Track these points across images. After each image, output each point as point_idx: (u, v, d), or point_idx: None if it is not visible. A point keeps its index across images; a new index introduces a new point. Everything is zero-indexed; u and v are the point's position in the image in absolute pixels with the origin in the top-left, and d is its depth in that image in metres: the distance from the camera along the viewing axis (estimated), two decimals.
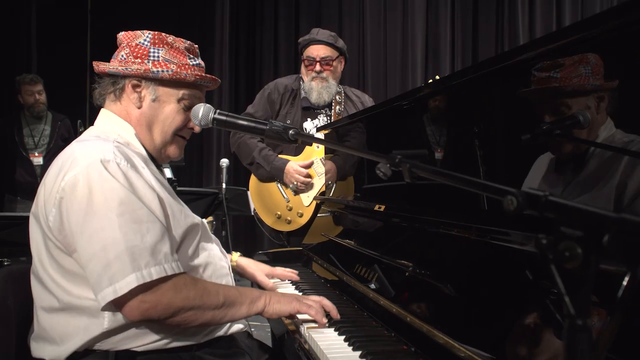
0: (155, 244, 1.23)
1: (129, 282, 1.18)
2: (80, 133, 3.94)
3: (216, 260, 1.49)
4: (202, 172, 6.24)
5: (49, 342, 1.32)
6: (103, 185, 1.22)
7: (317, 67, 2.83)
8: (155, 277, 1.21)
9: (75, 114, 4.47)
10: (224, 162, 3.60)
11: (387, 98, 6.18)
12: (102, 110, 1.47)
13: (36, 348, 1.35)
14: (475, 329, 1.10)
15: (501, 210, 0.65)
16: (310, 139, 1.27)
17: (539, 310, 1.00)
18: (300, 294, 1.75)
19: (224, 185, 3.48)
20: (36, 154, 4.40)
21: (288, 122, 2.85)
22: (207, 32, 6.28)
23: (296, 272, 1.96)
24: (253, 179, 2.92)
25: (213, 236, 1.58)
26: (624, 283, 0.78)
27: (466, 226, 1.29)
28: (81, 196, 1.22)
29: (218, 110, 1.35)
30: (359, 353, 1.20)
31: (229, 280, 1.53)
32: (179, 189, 3.08)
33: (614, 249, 0.57)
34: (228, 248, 4.21)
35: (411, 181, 0.83)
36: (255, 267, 1.89)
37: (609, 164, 1.04)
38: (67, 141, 4.51)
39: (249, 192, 3.07)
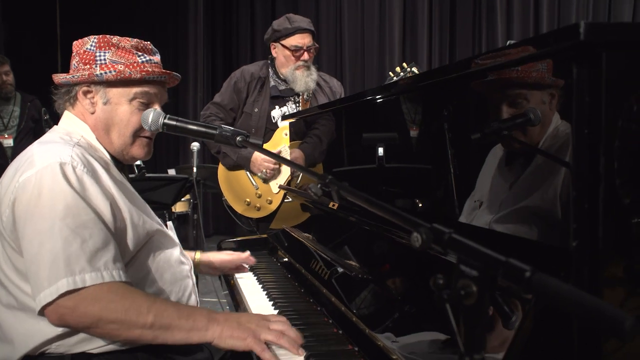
0: (96, 250, 1.22)
1: (59, 287, 1.18)
2: (46, 121, 3.91)
3: (176, 265, 1.49)
4: (179, 153, 6.22)
5: (1, 341, 1.33)
6: (53, 188, 1.22)
7: (306, 56, 2.79)
8: (89, 283, 1.20)
9: (45, 94, 4.39)
10: (195, 145, 3.58)
11: (365, 79, 6.19)
12: (65, 113, 1.47)
13: None
14: (413, 337, 1.15)
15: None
16: (255, 148, 1.28)
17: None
18: (265, 292, 1.75)
19: (194, 170, 3.47)
20: (6, 136, 4.33)
21: (255, 110, 2.84)
22: (181, 17, 6.17)
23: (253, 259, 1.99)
24: (221, 167, 2.92)
25: (175, 239, 1.58)
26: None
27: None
28: (30, 198, 1.23)
29: (168, 115, 1.35)
30: (304, 355, 1.24)
31: (188, 283, 1.53)
32: (148, 175, 3.09)
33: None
34: (200, 231, 4.22)
35: (339, 202, 0.86)
36: (214, 256, 1.91)
37: (556, 159, 1.04)
38: (37, 122, 4.43)
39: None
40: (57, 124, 1.49)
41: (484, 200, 1.21)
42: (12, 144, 4.37)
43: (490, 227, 1.15)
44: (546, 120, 1.07)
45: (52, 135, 1.43)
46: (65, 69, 1.49)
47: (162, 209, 3.37)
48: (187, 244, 5.65)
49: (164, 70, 1.45)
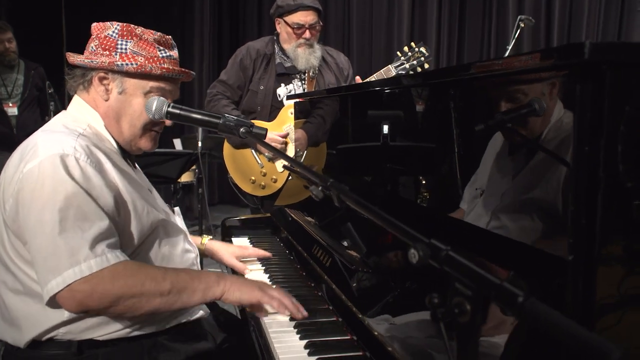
0: (96, 238, 1.23)
1: (65, 278, 1.20)
2: (50, 94, 3.89)
3: (181, 254, 1.51)
4: (183, 124, 6.20)
5: (9, 324, 1.35)
6: (54, 179, 1.23)
7: (308, 34, 2.75)
8: (95, 269, 1.21)
9: (49, 63, 4.36)
10: None
11: (372, 54, 6.09)
12: (75, 97, 1.47)
13: (0, 328, 1.38)
14: (410, 325, 1.17)
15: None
16: (258, 139, 1.28)
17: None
18: (267, 275, 1.78)
19: (199, 144, 3.49)
20: (10, 104, 4.30)
21: (261, 87, 2.82)
22: None
23: (269, 254, 1.96)
24: (227, 145, 2.93)
25: (181, 226, 1.59)
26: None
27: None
28: (32, 189, 1.23)
29: (172, 104, 1.35)
30: (304, 342, 1.27)
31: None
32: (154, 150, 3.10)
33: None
34: (205, 203, 4.26)
35: (339, 205, 0.87)
36: (225, 250, 1.91)
37: (559, 151, 1.02)
38: (41, 91, 4.40)
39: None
40: (64, 108, 1.49)
41: (485, 189, 1.21)
42: (16, 113, 4.35)
43: (490, 217, 1.16)
44: (548, 110, 1.06)
45: (58, 122, 1.42)
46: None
47: (168, 183, 3.39)
48: (192, 214, 5.70)
49: (182, 69, 1.45)
